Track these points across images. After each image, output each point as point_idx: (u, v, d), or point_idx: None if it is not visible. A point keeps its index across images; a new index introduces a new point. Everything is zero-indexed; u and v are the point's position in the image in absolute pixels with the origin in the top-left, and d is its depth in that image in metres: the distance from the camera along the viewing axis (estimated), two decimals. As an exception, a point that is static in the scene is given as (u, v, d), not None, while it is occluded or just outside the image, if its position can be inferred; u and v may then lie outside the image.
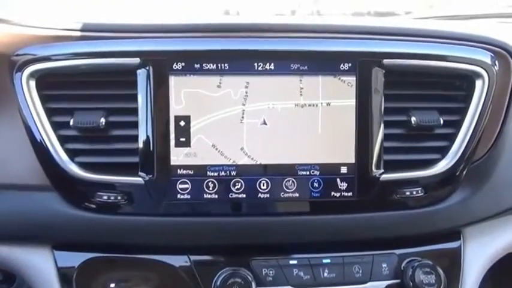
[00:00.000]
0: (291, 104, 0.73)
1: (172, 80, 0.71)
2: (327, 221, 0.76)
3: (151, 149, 0.72)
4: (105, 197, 0.72)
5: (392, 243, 0.80)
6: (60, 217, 0.74)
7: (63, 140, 0.72)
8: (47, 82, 0.71)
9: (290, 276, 0.76)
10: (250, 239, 0.77)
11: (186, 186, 0.73)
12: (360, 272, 0.77)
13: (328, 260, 0.77)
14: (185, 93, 0.72)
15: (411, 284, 0.75)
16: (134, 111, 0.72)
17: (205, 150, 0.73)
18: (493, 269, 0.85)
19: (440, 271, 0.76)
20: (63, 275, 0.75)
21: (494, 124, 0.81)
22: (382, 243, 0.80)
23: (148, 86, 0.71)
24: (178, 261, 0.76)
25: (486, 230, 0.84)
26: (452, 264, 0.81)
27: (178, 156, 0.72)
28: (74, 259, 0.76)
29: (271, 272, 0.76)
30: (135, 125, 0.72)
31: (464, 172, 0.78)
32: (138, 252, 0.76)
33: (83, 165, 0.72)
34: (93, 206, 0.73)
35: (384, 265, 0.78)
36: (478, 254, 0.83)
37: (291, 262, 0.77)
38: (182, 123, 0.72)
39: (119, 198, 0.72)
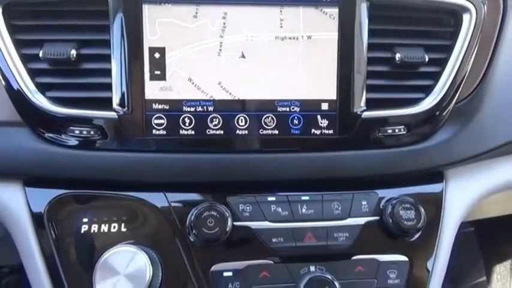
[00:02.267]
0: (271, 37, 0.71)
1: (146, 9, 0.68)
2: (307, 158, 0.74)
3: (125, 82, 0.69)
4: (77, 132, 0.70)
5: (374, 184, 0.79)
6: (32, 152, 0.71)
7: (33, 73, 0.69)
8: (15, 11, 0.68)
9: (267, 212, 0.75)
10: (228, 176, 0.75)
11: (162, 121, 0.71)
12: (339, 208, 0.76)
13: (307, 197, 0.76)
14: (160, 23, 0.69)
15: (390, 220, 0.75)
16: (107, 43, 0.69)
17: (181, 84, 0.70)
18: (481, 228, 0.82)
19: (420, 207, 0.75)
20: (34, 211, 0.73)
21: (480, 64, 0.79)
22: (363, 183, 0.79)
23: (121, 15, 0.68)
24: (154, 198, 0.74)
25: (469, 173, 0.83)
26: (434, 204, 0.80)
27: (153, 90, 0.70)
28: (45, 195, 0.73)
29: (248, 207, 0.75)
30: (107, 57, 0.69)
31: (448, 111, 0.76)
32: (112, 189, 0.74)
33: (55, 100, 0.70)
34: (65, 141, 0.71)
35: (364, 203, 0.77)
36: (459, 196, 0.81)
37: (269, 199, 0.75)
38: (157, 55, 0.69)
39: (92, 133, 0.70)
